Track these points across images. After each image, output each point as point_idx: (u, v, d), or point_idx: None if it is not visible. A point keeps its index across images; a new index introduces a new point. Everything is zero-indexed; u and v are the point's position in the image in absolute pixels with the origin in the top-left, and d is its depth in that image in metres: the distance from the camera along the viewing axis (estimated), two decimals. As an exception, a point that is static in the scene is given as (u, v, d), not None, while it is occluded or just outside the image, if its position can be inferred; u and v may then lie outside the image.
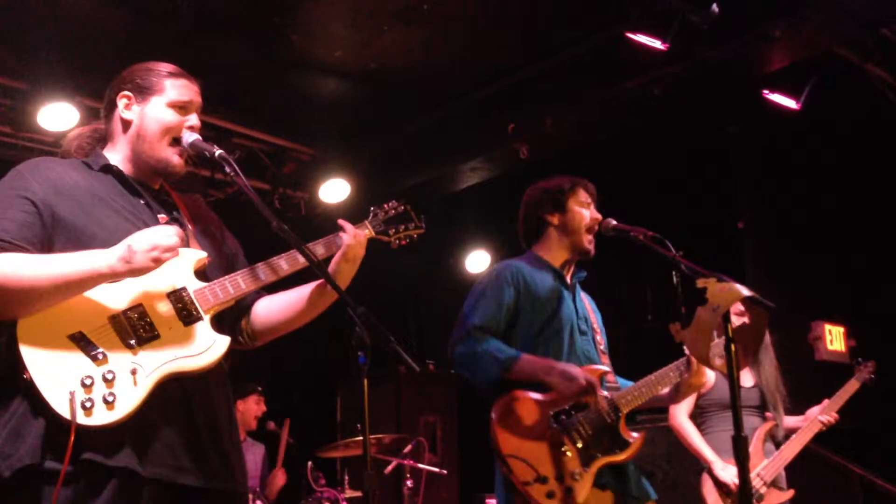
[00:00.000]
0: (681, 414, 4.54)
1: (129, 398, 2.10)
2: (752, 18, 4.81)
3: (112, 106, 2.51)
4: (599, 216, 3.28)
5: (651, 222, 3.03)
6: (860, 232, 6.00)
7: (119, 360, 2.14)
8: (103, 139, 2.56)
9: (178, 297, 2.28)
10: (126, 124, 2.48)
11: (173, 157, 2.47)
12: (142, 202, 2.42)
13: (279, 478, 5.94)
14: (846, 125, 5.81)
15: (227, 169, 2.46)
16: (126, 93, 2.48)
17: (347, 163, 6.98)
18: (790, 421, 4.57)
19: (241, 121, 6.52)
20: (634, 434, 3.05)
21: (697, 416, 4.56)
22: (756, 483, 4.27)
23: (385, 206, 2.69)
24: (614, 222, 3.20)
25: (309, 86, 6.15)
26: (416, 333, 8.06)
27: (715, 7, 4.63)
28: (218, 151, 2.47)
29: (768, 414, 4.47)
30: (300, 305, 2.52)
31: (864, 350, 5.63)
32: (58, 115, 5.60)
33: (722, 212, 6.31)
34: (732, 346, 2.42)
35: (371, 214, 2.68)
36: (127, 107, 2.48)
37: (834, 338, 6.44)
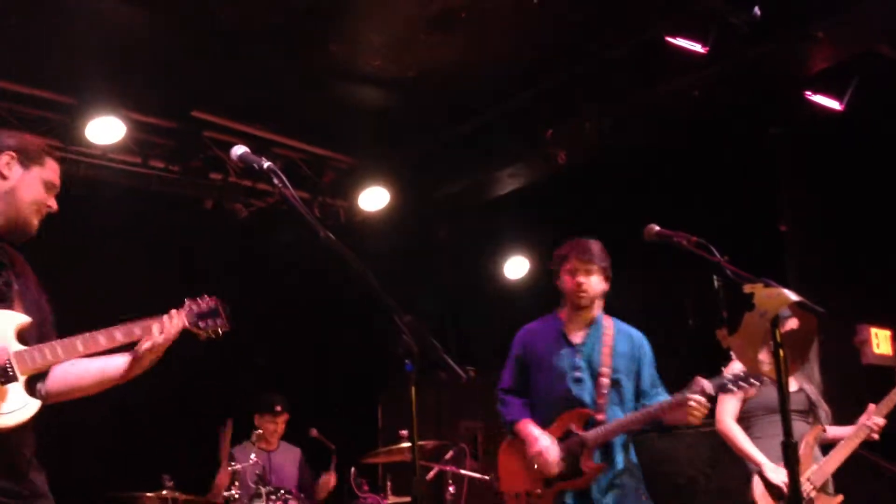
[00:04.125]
0: (728, 417, 4.49)
1: None
2: (794, 19, 4.76)
3: None
4: (581, 281, 3.92)
5: (691, 226, 3.02)
6: (905, 233, 5.90)
7: None
8: None
9: None
10: (2, 178, 2.57)
11: (34, 222, 2.62)
12: None
13: (331, 481, 5.96)
14: (890, 125, 5.71)
15: (276, 181, 2.52)
16: (11, 153, 2.58)
17: (386, 171, 7.03)
18: (838, 430, 4.51)
19: (280, 131, 6.61)
20: (592, 465, 3.78)
21: (742, 422, 4.51)
22: (806, 488, 4.23)
23: (199, 300, 2.77)
24: (657, 228, 3.19)
25: (347, 94, 6.20)
26: (455, 340, 8.08)
27: (757, 9, 4.59)
28: (266, 164, 2.55)
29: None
30: (100, 377, 2.64)
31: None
32: (105, 129, 5.73)
33: (764, 215, 6.23)
34: (781, 352, 2.41)
35: (186, 307, 2.74)
36: (8, 165, 2.58)
37: (880, 341, 6.33)
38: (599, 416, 3.81)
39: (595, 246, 4.02)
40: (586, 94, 5.80)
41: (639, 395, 3.94)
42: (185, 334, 2.77)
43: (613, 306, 7.34)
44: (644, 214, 3.38)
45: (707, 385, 3.60)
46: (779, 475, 4.19)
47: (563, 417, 3.86)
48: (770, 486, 4.23)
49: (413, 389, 2.40)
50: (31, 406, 2.43)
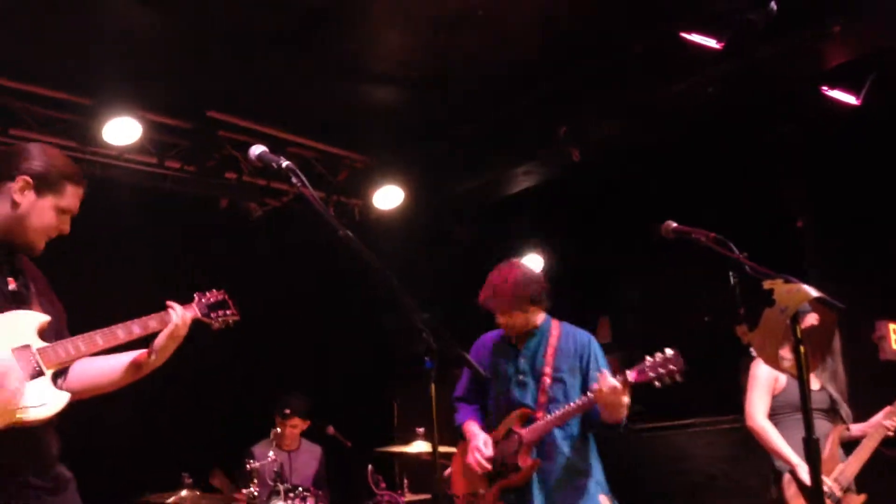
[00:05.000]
0: (759, 415, 4.44)
1: None
2: (810, 15, 4.74)
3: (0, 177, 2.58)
4: (501, 322, 4.06)
5: (707, 223, 3.01)
6: (923, 228, 5.86)
7: None
8: None
9: (22, 354, 2.46)
10: (13, 204, 2.56)
11: (40, 246, 2.63)
12: None
13: None
14: (906, 120, 5.68)
15: (294, 180, 2.54)
16: (27, 178, 2.56)
17: (401, 169, 7.04)
18: (859, 428, 4.49)
19: (295, 130, 6.63)
20: (528, 461, 3.86)
21: (769, 419, 4.48)
22: (833, 488, 4.20)
23: (207, 293, 2.92)
24: (674, 224, 3.17)
25: (362, 93, 6.21)
26: (469, 339, 8.08)
27: (773, 4, 4.56)
28: (285, 163, 2.57)
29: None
30: (113, 375, 2.71)
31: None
32: (122, 130, 5.76)
33: (780, 211, 6.21)
34: (801, 348, 2.40)
35: (196, 299, 2.89)
36: (22, 190, 2.56)
37: (899, 337, 6.29)
38: (538, 415, 3.90)
39: (503, 289, 4.00)
40: (601, 92, 5.79)
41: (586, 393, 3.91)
42: (202, 332, 2.83)
43: (628, 302, 7.35)
44: (659, 211, 3.38)
45: (623, 375, 3.55)
46: None
47: (507, 419, 3.98)
48: (804, 488, 4.17)
49: (433, 387, 2.41)
50: (59, 399, 2.47)
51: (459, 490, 4.12)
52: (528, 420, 3.93)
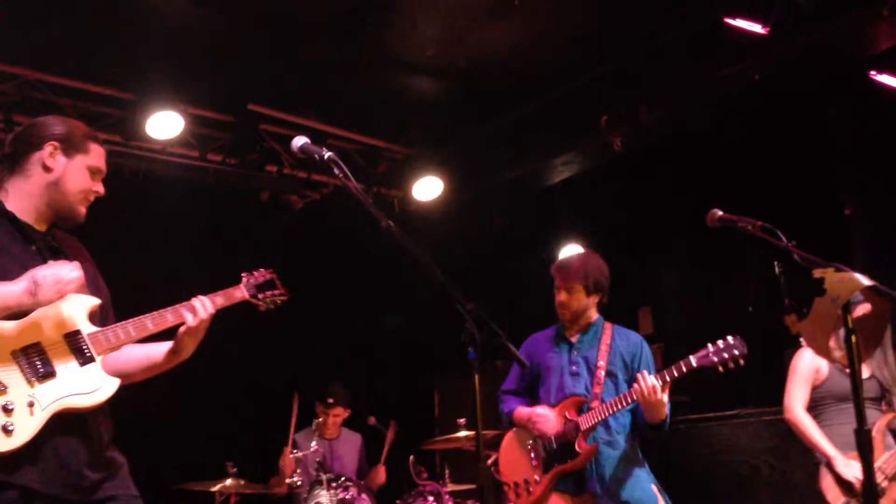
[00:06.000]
0: (797, 406, 4.39)
1: (26, 428, 2.33)
2: (859, -3, 4.63)
3: (28, 150, 2.61)
4: (561, 299, 4.14)
5: (752, 212, 2.96)
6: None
7: (18, 392, 2.34)
8: None
9: (73, 339, 2.48)
10: (46, 170, 2.59)
11: (82, 210, 2.65)
12: (33, 248, 2.57)
13: (380, 475, 6.08)
14: (959, 105, 5.53)
15: (336, 171, 2.55)
16: (55, 142, 2.60)
17: (440, 160, 7.03)
18: None
19: (334, 122, 6.65)
20: (586, 446, 3.92)
21: (811, 410, 4.40)
22: (877, 477, 4.12)
23: (255, 273, 2.93)
24: (720, 213, 3.13)
25: (401, 85, 6.21)
26: (510, 329, 8.07)
27: (820, -13, 4.47)
28: (327, 154, 2.57)
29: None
30: (147, 363, 2.72)
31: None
32: (164, 124, 5.83)
33: (827, 199, 6.09)
34: (853, 338, 2.35)
35: (243, 280, 2.89)
36: (52, 155, 2.59)
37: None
38: (594, 403, 3.97)
39: (577, 262, 4.21)
40: (643, 79, 5.71)
41: None
42: (247, 313, 2.82)
43: (669, 293, 7.27)
44: (702, 200, 3.33)
45: (663, 375, 3.71)
46: (850, 470, 4.09)
47: (560, 406, 4.05)
48: (839, 480, 4.13)
49: (476, 377, 2.40)
50: (110, 385, 2.50)
51: (510, 478, 4.15)
52: (582, 409, 4.00)
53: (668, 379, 3.70)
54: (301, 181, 6.90)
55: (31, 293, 2.39)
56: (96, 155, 2.66)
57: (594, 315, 4.20)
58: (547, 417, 4.01)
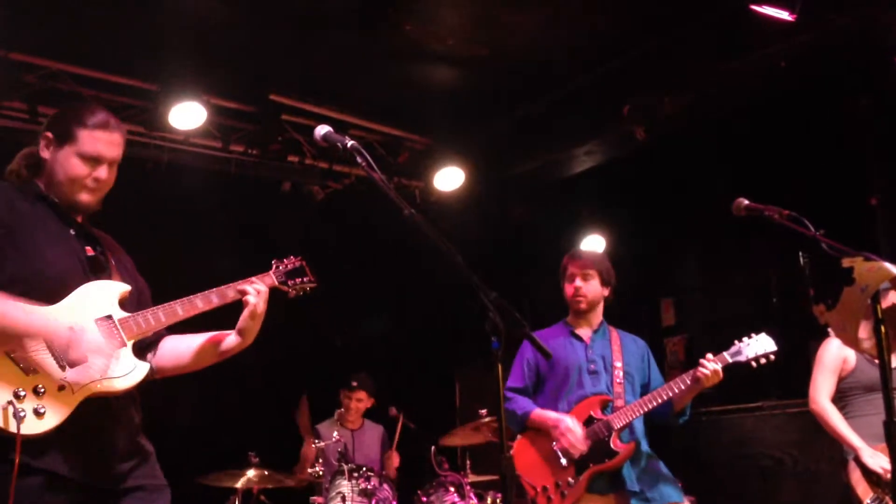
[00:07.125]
0: (823, 397, 4.33)
1: (58, 411, 2.34)
2: (887, -18, 4.55)
3: (37, 143, 2.64)
4: (578, 286, 4.15)
5: (777, 201, 2.93)
6: None
7: (50, 376, 2.36)
8: (37, 165, 2.65)
9: (104, 324, 2.48)
10: (45, 162, 2.61)
11: (81, 197, 2.60)
12: (71, 232, 2.58)
13: (394, 460, 6.15)
14: None
15: (359, 159, 2.53)
16: (48, 133, 2.61)
17: (461, 150, 7.02)
18: None
19: (355, 112, 6.64)
20: (622, 445, 3.88)
21: (838, 401, 4.34)
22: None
23: (284, 260, 2.93)
24: (746, 202, 3.11)
25: (422, 74, 6.20)
26: (532, 320, 8.04)
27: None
28: (350, 142, 2.56)
29: None
30: (198, 354, 2.72)
31: None
32: (187, 114, 5.86)
33: (853, 188, 6.00)
34: (882, 328, 2.32)
35: (273, 266, 2.90)
36: (45, 146, 2.61)
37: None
38: (618, 402, 4.00)
39: (590, 252, 4.35)
40: (665, 67, 5.65)
41: (646, 392, 4.10)
42: (272, 302, 2.81)
43: (692, 284, 7.22)
44: (725, 190, 3.30)
45: (722, 355, 3.86)
46: (877, 460, 4.04)
47: (583, 404, 4.01)
48: (867, 472, 4.08)
49: (500, 367, 2.38)
50: (141, 369, 2.52)
51: (535, 482, 4.00)
52: (606, 407, 4.00)
53: (729, 360, 3.85)
54: (322, 171, 6.91)
55: (63, 342, 2.37)
56: (88, 141, 2.56)
57: (599, 318, 4.26)
58: (574, 432, 3.92)
